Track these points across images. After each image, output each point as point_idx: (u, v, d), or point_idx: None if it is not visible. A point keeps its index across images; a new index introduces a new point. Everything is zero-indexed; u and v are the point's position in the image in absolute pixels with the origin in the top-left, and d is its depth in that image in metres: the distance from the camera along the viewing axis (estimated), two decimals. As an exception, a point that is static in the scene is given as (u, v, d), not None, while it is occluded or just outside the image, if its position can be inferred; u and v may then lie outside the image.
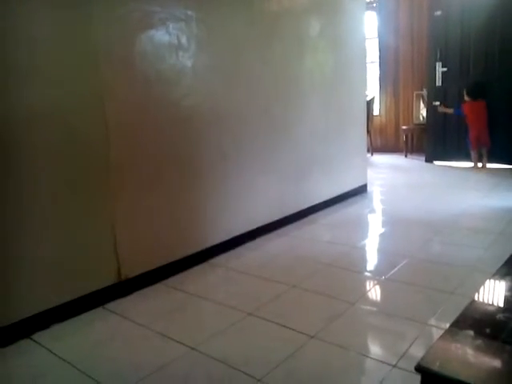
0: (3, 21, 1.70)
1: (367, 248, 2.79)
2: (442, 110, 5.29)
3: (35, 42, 1.80)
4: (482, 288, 1.12)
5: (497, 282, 1.17)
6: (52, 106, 1.87)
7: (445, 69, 5.27)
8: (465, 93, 5.02)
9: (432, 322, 1.77)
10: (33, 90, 1.81)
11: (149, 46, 2.21)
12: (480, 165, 5.05)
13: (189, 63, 2.43)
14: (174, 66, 2.35)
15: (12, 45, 1.74)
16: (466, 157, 5.17)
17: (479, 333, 0.91)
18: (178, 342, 1.74)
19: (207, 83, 2.55)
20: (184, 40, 2.39)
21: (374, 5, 6.35)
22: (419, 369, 0.81)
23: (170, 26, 2.31)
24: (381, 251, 2.74)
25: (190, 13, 2.40)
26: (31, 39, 1.79)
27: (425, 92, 5.83)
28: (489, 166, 5.04)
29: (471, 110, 4.98)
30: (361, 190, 4.14)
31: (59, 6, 1.86)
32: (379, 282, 2.22)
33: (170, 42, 2.31)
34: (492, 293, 1.13)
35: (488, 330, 0.92)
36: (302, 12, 3.28)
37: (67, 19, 1.90)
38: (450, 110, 5.21)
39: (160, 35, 2.26)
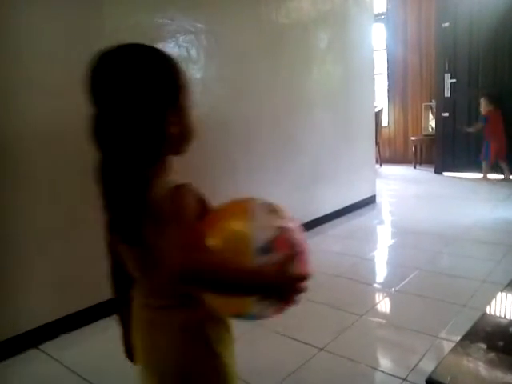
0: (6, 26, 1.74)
1: (376, 259, 2.77)
2: (471, 130, 4.98)
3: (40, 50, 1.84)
4: (493, 300, 1.10)
5: (509, 294, 1.15)
6: (55, 118, 1.89)
7: (453, 80, 5.26)
8: (486, 100, 4.80)
9: (443, 334, 1.75)
10: (37, 98, 1.84)
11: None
12: (489, 176, 4.95)
13: (198, 75, 2.45)
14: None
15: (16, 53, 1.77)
16: (476, 168, 5.11)
17: (491, 346, 0.89)
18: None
19: (216, 94, 2.56)
20: (193, 52, 2.42)
21: (383, 17, 6.39)
22: (430, 382, 0.80)
23: (180, 38, 2.34)
24: (390, 263, 2.72)
25: (199, 25, 2.43)
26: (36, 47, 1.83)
27: (433, 103, 5.81)
28: (494, 177, 4.95)
29: (495, 118, 4.72)
30: (370, 201, 4.12)
31: (70, 15, 1.90)
32: (388, 294, 2.20)
33: (180, 54, 2.34)
34: (504, 305, 1.11)
35: (501, 344, 0.90)
36: (310, 24, 3.30)
37: (78, 28, 1.93)
38: (479, 126, 4.91)
39: (170, 47, 2.28)
